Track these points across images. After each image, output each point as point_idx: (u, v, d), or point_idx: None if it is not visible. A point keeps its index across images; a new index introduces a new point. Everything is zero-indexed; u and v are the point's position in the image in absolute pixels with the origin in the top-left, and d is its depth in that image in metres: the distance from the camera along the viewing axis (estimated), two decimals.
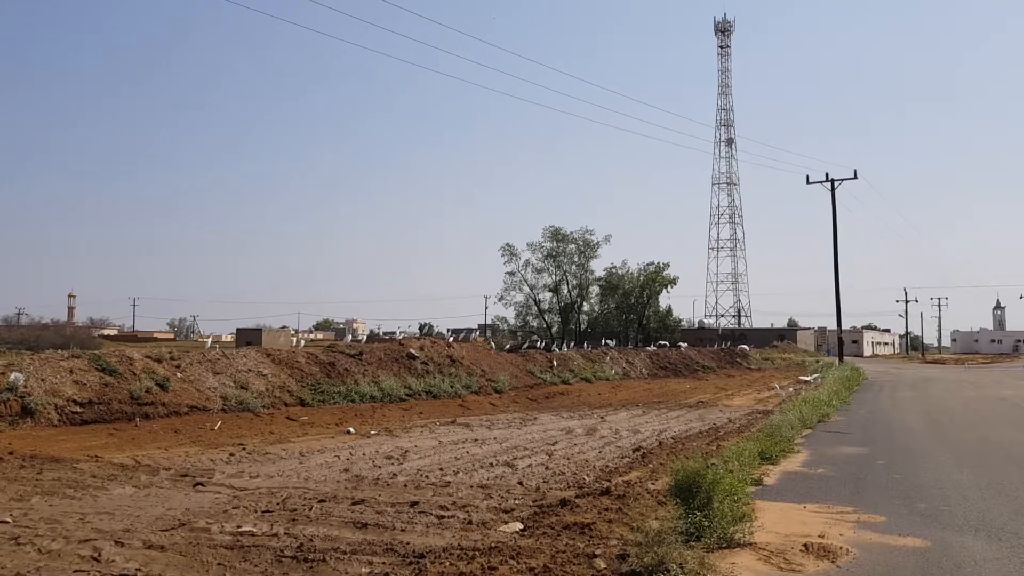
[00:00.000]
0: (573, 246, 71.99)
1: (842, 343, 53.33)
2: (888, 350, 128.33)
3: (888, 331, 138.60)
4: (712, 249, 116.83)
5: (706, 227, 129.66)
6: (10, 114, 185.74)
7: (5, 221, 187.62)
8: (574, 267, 73.30)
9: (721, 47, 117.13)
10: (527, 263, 71.76)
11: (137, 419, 15.70)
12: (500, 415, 21.54)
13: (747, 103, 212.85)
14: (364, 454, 13.87)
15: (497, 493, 10.00)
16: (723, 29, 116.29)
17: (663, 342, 61.00)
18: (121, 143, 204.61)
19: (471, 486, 10.57)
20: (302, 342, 35.08)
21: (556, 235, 71.36)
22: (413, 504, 9.25)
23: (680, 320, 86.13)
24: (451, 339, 32.08)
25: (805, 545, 7.24)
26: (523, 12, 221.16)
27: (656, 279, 74.61)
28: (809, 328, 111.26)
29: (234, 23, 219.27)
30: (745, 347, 65.62)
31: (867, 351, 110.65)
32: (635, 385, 34.55)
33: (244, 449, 14.09)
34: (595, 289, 76.03)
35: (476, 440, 15.89)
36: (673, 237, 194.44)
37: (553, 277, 72.88)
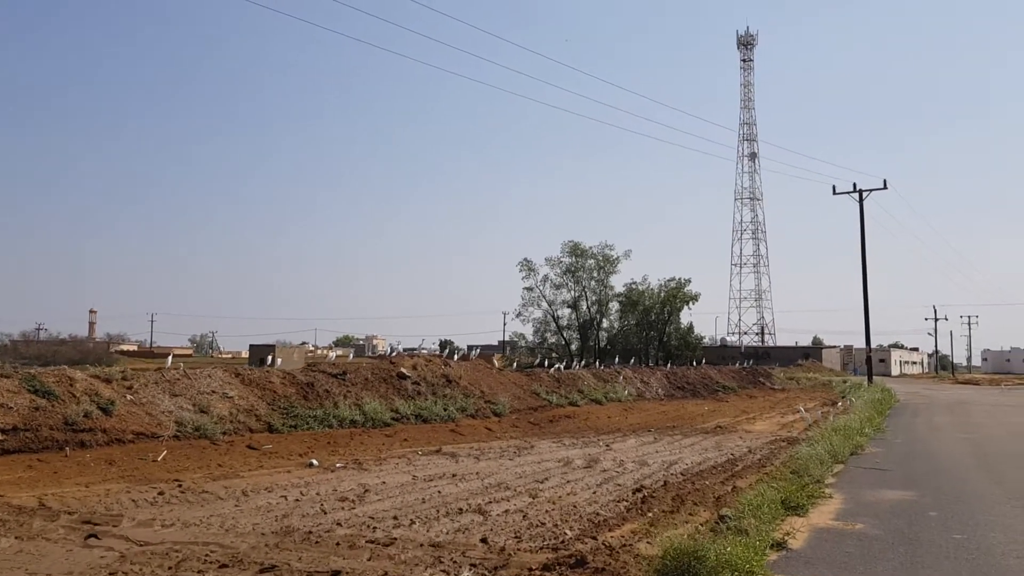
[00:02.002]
0: (592, 261, 70.04)
1: (871, 362, 50.77)
2: (916, 369, 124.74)
3: (916, 349, 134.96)
4: (735, 265, 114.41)
5: (729, 243, 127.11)
6: (34, 129, 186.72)
7: (29, 236, 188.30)
8: (593, 283, 71.28)
9: (744, 60, 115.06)
10: (545, 278, 69.88)
11: (68, 448, 13.74)
12: (494, 442, 19.42)
13: (772, 116, 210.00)
14: (317, 494, 11.82)
15: (449, 557, 7.90)
16: (746, 43, 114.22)
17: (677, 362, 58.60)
18: (145, 160, 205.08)
19: (421, 544, 8.47)
20: (332, 355, 33.14)
21: (575, 250, 69.45)
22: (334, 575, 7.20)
23: (702, 337, 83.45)
24: (458, 356, 29.94)
25: None
26: (543, 21, 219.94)
27: (677, 295, 72.24)
28: (835, 346, 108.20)
29: (257, 35, 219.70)
30: (768, 367, 63.11)
31: (895, 370, 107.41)
32: (649, 407, 32.26)
33: (180, 486, 12.07)
34: (615, 305, 73.81)
35: (455, 475, 13.79)
36: (695, 253, 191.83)
37: (572, 293, 70.88)
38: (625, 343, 72.18)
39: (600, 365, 43.77)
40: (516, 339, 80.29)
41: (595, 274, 70.90)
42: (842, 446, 15.96)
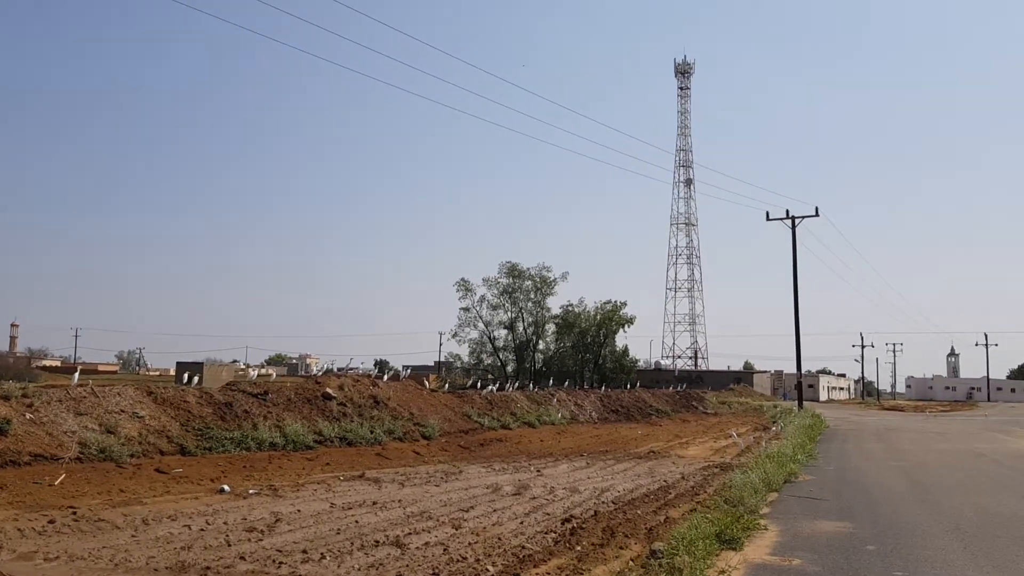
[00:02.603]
0: (530, 283, 69.76)
1: (801, 387, 51.27)
2: (843, 395, 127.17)
3: (843, 375, 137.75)
4: (670, 289, 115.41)
5: (664, 267, 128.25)
6: None
7: None
8: (530, 304, 70.95)
9: (681, 88, 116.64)
10: (482, 299, 69.37)
11: None
12: (421, 467, 18.66)
13: (708, 142, 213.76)
14: (224, 523, 10.97)
15: None
16: (683, 71, 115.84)
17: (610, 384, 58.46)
18: (74, 171, 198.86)
19: None
20: (254, 373, 31.88)
21: (512, 271, 69.10)
22: None
23: (637, 360, 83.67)
24: (388, 376, 29.05)
25: None
26: (482, 38, 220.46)
27: (613, 318, 72.28)
28: (765, 371, 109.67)
29: (219, 32, 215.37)
30: (701, 391, 63.43)
31: (823, 395, 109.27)
32: (583, 431, 31.77)
33: (74, 513, 11.07)
34: (551, 327, 73.58)
35: (376, 503, 13.03)
36: (631, 277, 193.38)
37: (509, 314, 70.45)
38: (561, 365, 71.94)
39: (535, 387, 43.20)
40: (452, 360, 79.55)
41: (532, 295, 70.61)
42: (776, 474, 15.67)
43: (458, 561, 8.87)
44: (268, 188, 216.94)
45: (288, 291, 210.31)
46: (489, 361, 72.50)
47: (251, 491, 13.75)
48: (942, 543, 10.01)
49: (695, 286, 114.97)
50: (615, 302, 71.99)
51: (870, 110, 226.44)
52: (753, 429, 36.07)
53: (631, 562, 8.57)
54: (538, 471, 18.41)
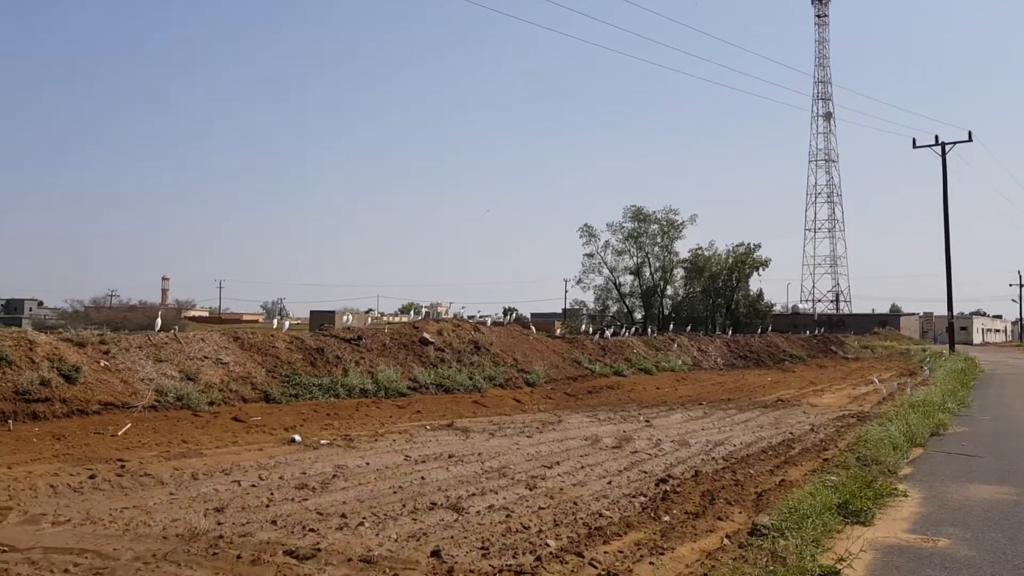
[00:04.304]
0: (656, 226, 67.43)
1: (953, 328, 47.11)
2: (999, 338, 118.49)
3: (1000, 317, 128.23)
4: (809, 230, 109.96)
5: (803, 207, 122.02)
6: (107, 103, 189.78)
7: (106, 204, 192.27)
8: (657, 249, 68.70)
9: (819, 16, 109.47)
10: (607, 244, 67.63)
11: (12, 421, 12.07)
12: (519, 415, 17.33)
13: (848, 69, 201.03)
14: (280, 478, 9.91)
15: None
16: None
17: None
18: (219, 126, 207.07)
19: (350, 559, 6.43)
20: (346, 319, 31.38)
21: (638, 215, 66.88)
22: None
23: (772, 305, 79.92)
24: (490, 322, 27.77)
25: None
26: None
27: (746, 261, 68.94)
28: (914, 314, 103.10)
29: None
30: (842, 336, 59.64)
31: (976, 338, 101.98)
32: (705, 378, 29.70)
33: (122, 467, 10.25)
34: (679, 272, 71.12)
35: (453, 456, 11.74)
36: (766, 218, 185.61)
37: (634, 259, 68.47)
38: (691, 311, 69.50)
39: (658, 334, 41.19)
40: (578, 307, 78.15)
41: (659, 240, 68.33)
42: (921, 425, 13.46)
43: (517, 532, 7.41)
44: (395, 140, 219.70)
45: (420, 242, 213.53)
46: (615, 308, 70.84)
47: (323, 442, 12.72)
48: None
49: (836, 226, 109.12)
50: (748, 244, 68.68)
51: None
52: (898, 375, 33.00)
53: (727, 539, 6.87)
54: (647, 421, 16.75)
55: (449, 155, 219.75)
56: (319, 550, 6.62)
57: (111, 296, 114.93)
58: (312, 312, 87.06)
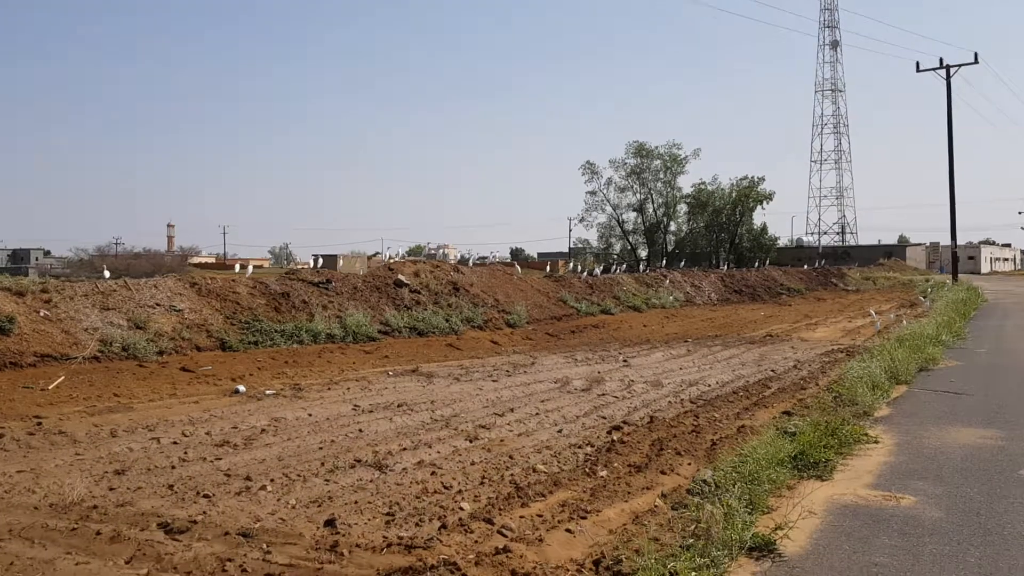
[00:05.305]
0: (659, 162, 66.28)
1: (956, 257, 46.01)
2: (1008, 267, 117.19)
3: (1008, 246, 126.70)
4: (815, 162, 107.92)
5: (808, 138, 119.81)
6: (111, 53, 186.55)
7: (109, 152, 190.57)
8: (660, 184, 67.67)
9: None
10: (609, 181, 66.62)
11: None
12: (492, 358, 16.57)
13: None
14: (207, 433, 9.16)
15: (237, 564, 5.09)
16: None
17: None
18: (223, 77, 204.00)
19: (227, 532, 5.65)
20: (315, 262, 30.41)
21: (640, 151, 65.64)
22: None
23: (777, 238, 78.70)
24: (472, 262, 26.92)
25: None
26: None
27: (750, 195, 67.87)
28: (920, 244, 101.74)
29: None
30: (844, 268, 58.59)
31: (984, 268, 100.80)
32: (696, 313, 28.83)
33: (38, 424, 9.50)
34: (683, 208, 70.12)
35: (403, 405, 10.97)
36: (771, 150, 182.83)
37: (637, 196, 67.47)
38: (694, 246, 68.69)
39: (649, 270, 40.26)
40: (582, 245, 77.24)
41: (661, 175, 67.28)
42: (907, 361, 12.61)
43: (434, 493, 6.64)
44: (402, 78, 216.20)
45: (426, 186, 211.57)
46: (619, 245, 69.93)
47: (268, 392, 11.95)
48: None
49: (843, 157, 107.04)
50: (752, 177, 67.56)
51: None
52: (898, 306, 32.16)
53: (661, 500, 6.08)
54: (625, 361, 15.98)
55: (459, 96, 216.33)
56: (195, 523, 5.84)
57: (116, 244, 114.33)
58: (314, 255, 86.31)
